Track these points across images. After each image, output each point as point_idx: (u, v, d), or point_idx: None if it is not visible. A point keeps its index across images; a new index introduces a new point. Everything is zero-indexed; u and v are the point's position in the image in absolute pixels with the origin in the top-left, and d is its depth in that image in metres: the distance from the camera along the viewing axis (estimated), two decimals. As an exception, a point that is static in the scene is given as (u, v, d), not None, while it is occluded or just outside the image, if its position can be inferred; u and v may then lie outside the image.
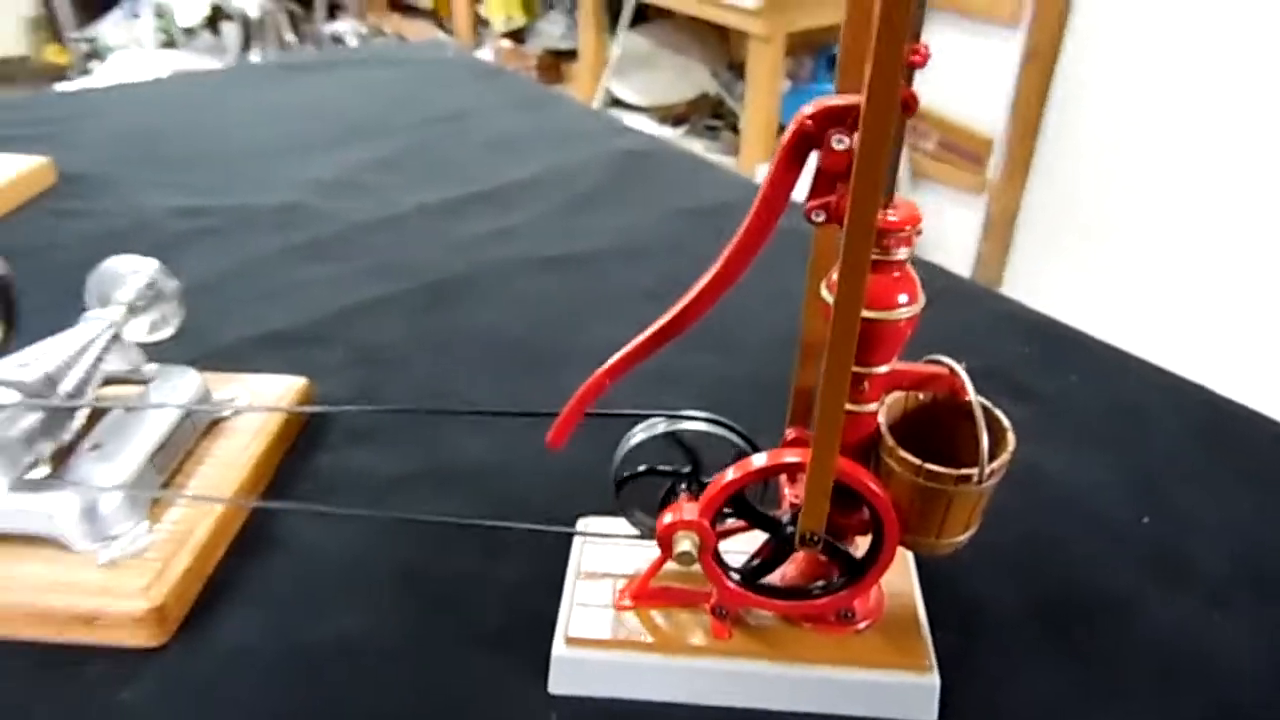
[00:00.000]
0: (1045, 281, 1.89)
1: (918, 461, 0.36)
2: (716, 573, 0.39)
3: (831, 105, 0.31)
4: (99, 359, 0.47)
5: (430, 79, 1.12)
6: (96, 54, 3.88)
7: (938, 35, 1.82)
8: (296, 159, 0.89)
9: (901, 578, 0.43)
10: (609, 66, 2.50)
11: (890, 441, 0.36)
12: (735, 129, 2.51)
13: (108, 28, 3.94)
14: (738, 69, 2.50)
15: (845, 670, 0.40)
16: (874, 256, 0.33)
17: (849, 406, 0.36)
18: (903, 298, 0.34)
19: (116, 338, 0.48)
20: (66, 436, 0.44)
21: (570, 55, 2.88)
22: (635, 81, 2.62)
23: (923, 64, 0.30)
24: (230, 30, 3.75)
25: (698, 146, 2.44)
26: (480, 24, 3.24)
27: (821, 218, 0.33)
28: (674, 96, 2.60)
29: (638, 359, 0.37)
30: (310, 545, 0.46)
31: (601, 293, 0.69)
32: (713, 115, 2.62)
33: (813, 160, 0.32)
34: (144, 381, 0.50)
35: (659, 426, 0.40)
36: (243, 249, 0.73)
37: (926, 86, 0.35)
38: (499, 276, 0.71)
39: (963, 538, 0.38)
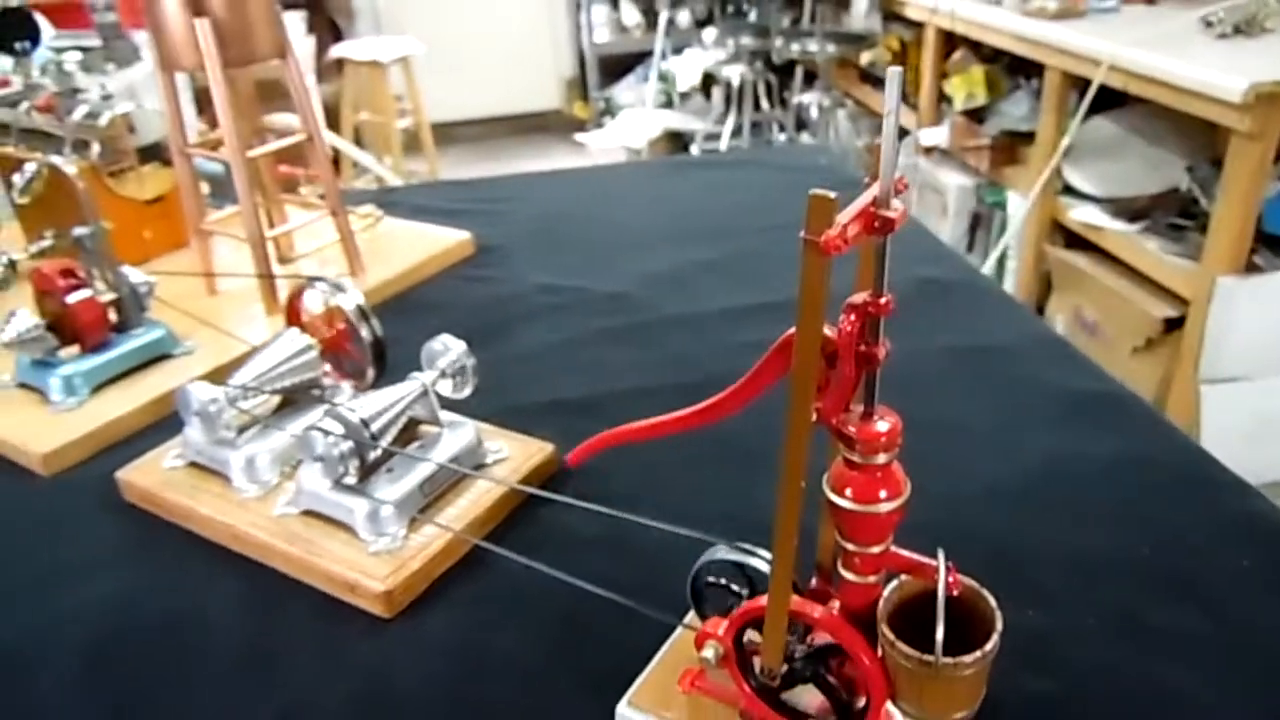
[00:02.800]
0: None
1: (890, 636, 0.41)
2: (740, 681, 0.47)
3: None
4: (407, 408, 0.66)
5: (793, 186, 1.24)
6: (610, 111, 4.57)
7: None
8: (644, 251, 1.07)
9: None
10: (1059, 151, 2.43)
11: (880, 613, 0.42)
12: (1204, 229, 2.28)
13: (622, 89, 4.62)
14: (1219, 165, 2.27)
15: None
16: (857, 460, 0.40)
17: (849, 576, 0.43)
18: (883, 493, 0.40)
19: (425, 393, 0.68)
20: (371, 458, 0.64)
21: (1028, 138, 2.81)
22: (1094, 169, 2.50)
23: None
24: (718, 95, 4.21)
25: (1153, 245, 2.26)
26: (942, 100, 3.28)
27: (814, 417, 0.41)
28: (1136, 189, 2.43)
29: (644, 436, 0.50)
30: (506, 577, 0.62)
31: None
32: (1180, 213, 2.40)
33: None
34: (438, 425, 0.69)
35: (724, 553, 0.49)
36: (569, 326, 0.92)
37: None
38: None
39: (957, 715, 0.42)
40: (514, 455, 0.71)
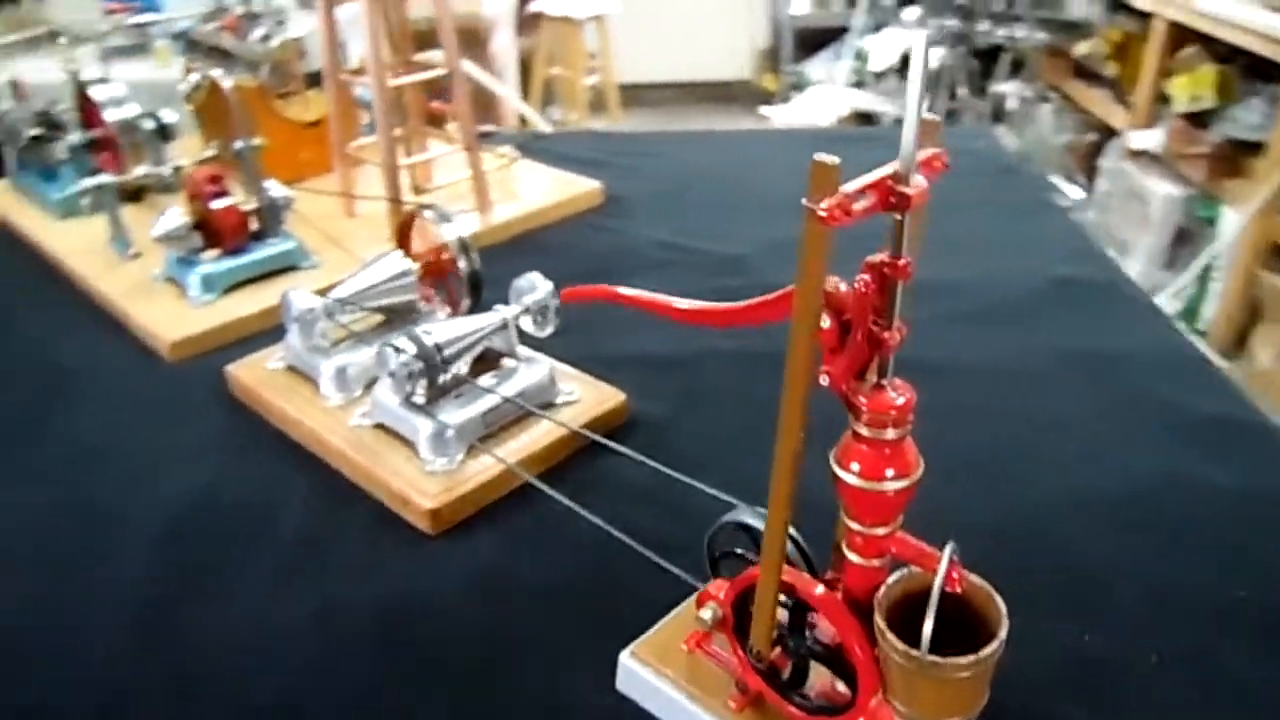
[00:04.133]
0: None
1: (882, 625, 0.39)
2: (735, 647, 0.46)
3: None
4: (484, 338, 0.68)
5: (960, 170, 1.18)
6: (799, 85, 4.48)
7: None
8: (771, 217, 1.04)
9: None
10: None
11: (879, 599, 0.40)
12: None
13: (815, 64, 4.51)
14: None
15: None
16: (865, 433, 0.38)
17: (852, 558, 0.41)
18: (889, 471, 0.38)
19: (505, 327, 0.69)
20: (440, 381, 0.66)
21: (1256, 149, 2.55)
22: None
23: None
24: (916, 77, 4.04)
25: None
26: (1160, 100, 3.03)
27: (826, 381, 0.38)
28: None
29: (641, 305, 0.52)
30: (551, 516, 0.62)
31: (949, 403, 0.73)
32: None
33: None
34: (515, 359, 0.71)
35: (738, 515, 0.47)
36: (677, 284, 0.91)
37: None
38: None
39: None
40: (584, 399, 0.71)
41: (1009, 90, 3.58)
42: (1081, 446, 0.67)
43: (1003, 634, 0.38)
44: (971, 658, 0.37)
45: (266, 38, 1.06)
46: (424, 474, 0.63)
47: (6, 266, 1.01)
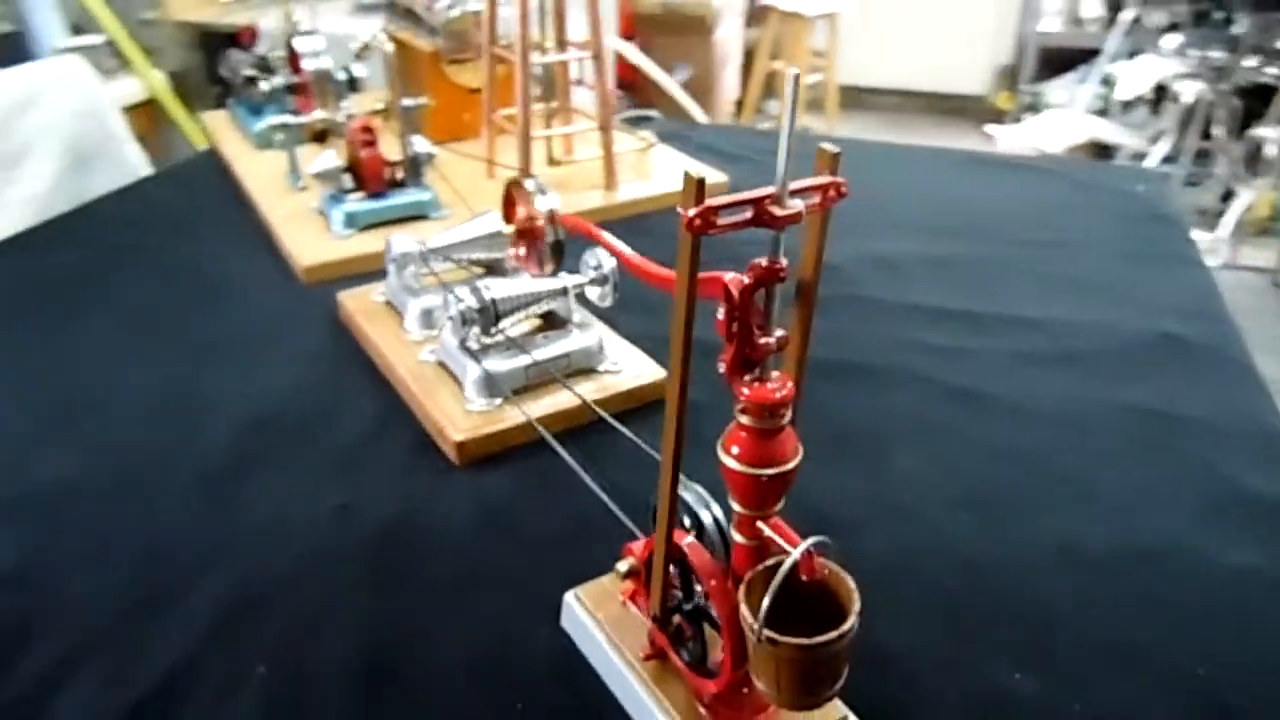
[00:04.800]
0: None
1: (739, 596, 0.42)
2: (641, 598, 0.50)
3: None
4: (542, 300, 0.74)
5: (1080, 206, 1.14)
6: (1035, 107, 4.26)
7: None
8: (880, 232, 1.05)
9: None
10: None
11: (747, 576, 0.43)
12: None
13: (1055, 87, 4.28)
14: None
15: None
16: (745, 421, 0.41)
17: (736, 537, 0.44)
18: (763, 458, 0.41)
19: (565, 292, 0.76)
20: (496, 335, 0.73)
21: None
22: None
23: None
24: (1169, 111, 3.75)
25: None
26: None
27: (721, 368, 0.42)
28: None
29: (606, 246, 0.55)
30: (564, 472, 0.68)
31: (982, 436, 0.73)
32: None
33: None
34: (570, 324, 0.77)
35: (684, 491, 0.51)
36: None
37: None
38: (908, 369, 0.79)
39: (784, 700, 0.42)
40: (626, 371, 0.76)
41: (1271, 136, 3.26)
42: (1098, 502, 0.66)
43: (842, 629, 0.40)
44: (803, 641, 0.39)
45: (451, 7, 1.17)
46: (464, 412, 0.71)
47: (208, 185, 1.18)
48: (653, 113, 1.37)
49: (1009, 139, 3.84)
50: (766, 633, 0.40)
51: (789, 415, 0.41)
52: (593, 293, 0.78)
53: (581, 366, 0.75)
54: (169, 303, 0.91)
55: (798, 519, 0.64)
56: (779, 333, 0.41)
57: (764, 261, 0.40)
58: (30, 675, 0.52)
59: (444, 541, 0.63)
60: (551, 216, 0.81)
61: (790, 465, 0.41)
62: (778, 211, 0.37)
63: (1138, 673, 0.53)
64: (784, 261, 0.39)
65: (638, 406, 0.75)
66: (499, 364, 0.72)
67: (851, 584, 0.42)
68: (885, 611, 0.56)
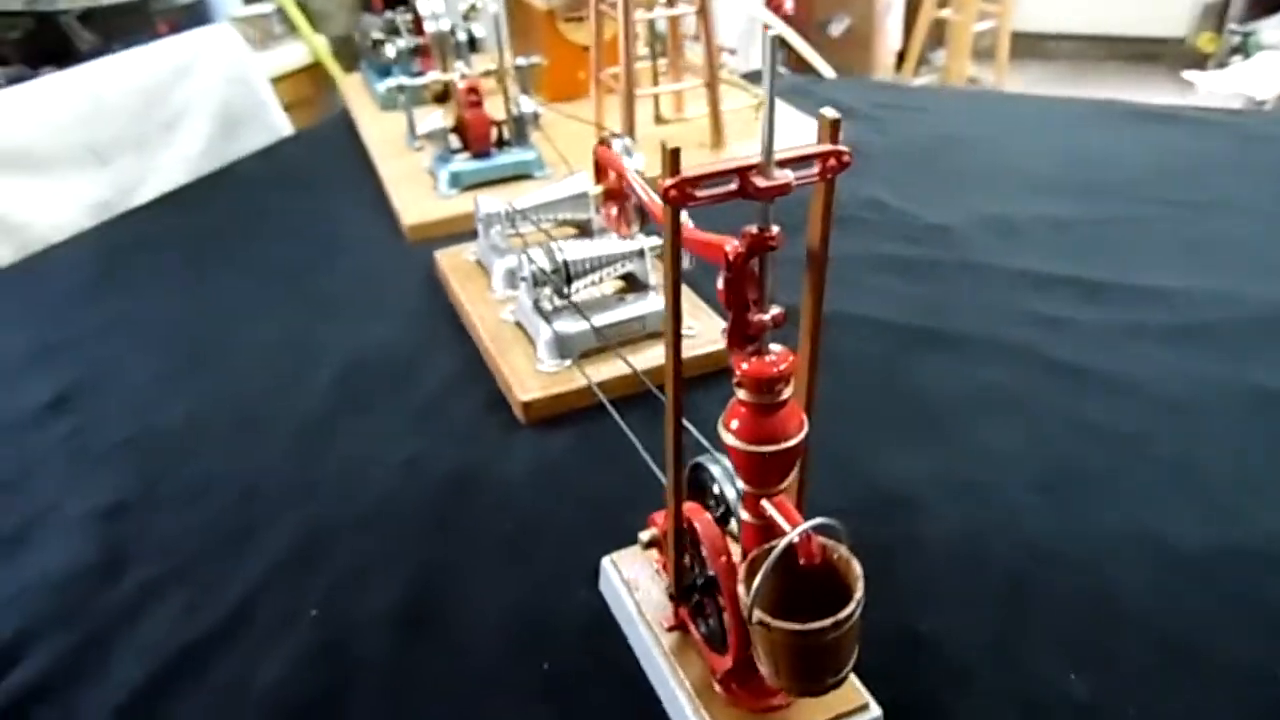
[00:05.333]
0: None
1: (741, 574, 0.41)
2: (664, 567, 0.50)
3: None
4: (617, 262, 0.74)
5: (1260, 165, 1.02)
6: (1244, 49, 3.85)
7: None
8: (1005, 191, 0.98)
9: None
10: None
11: (753, 554, 0.42)
12: None
13: (1270, 25, 3.85)
14: None
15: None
16: (742, 396, 0.40)
17: (744, 515, 0.43)
18: (764, 434, 0.39)
19: (642, 254, 0.75)
20: (568, 296, 0.73)
21: None
22: None
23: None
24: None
25: None
26: None
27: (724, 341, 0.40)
28: None
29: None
30: (618, 434, 0.68)
31: (1086, 417, 0.68)
32: None
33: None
34: (647, 286, 0.76)
35: (704, 459, 0.50)
36: (866, 244, 0.90)
37: None
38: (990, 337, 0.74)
39: (780, 683, 0.41)
40: (700, 336, 0.75)
41: None
42: (1197, 494, 0.60)
43: (837, 617, 0.38)
44: (794, 626, 0.38)
45: (568, -34, 1.17)
46: (534, 372, 0.72)
47: (337, 145, 1.24)
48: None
49: (1211, 86, 3.49)
50: (758, 614, 0.39)
51: (789, 390, 0.39)
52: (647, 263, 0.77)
53: (656, 330, 0.75)
54: (292, 258, 0.96)
55: (861, 493, 0.62)
56: (775, 309, 0.38)
57: (755, 229, 0.37)
58: (114, 603, 0.57)
59: (501, 498, 0.64)
60: (638, 177, 0.80)
61: (792, 442, 0.40)
62: (760, 183, 0.35)
63: (1208, 679, 0.48)
64: (775, 230, 0.37)
65: (713, 371, 0.73)
66: (569, 325, 0.72)
67: (859, 569, 0.40)
68: (940, 597, 0.54)
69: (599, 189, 0.83)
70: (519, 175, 1.03)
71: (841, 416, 0.69)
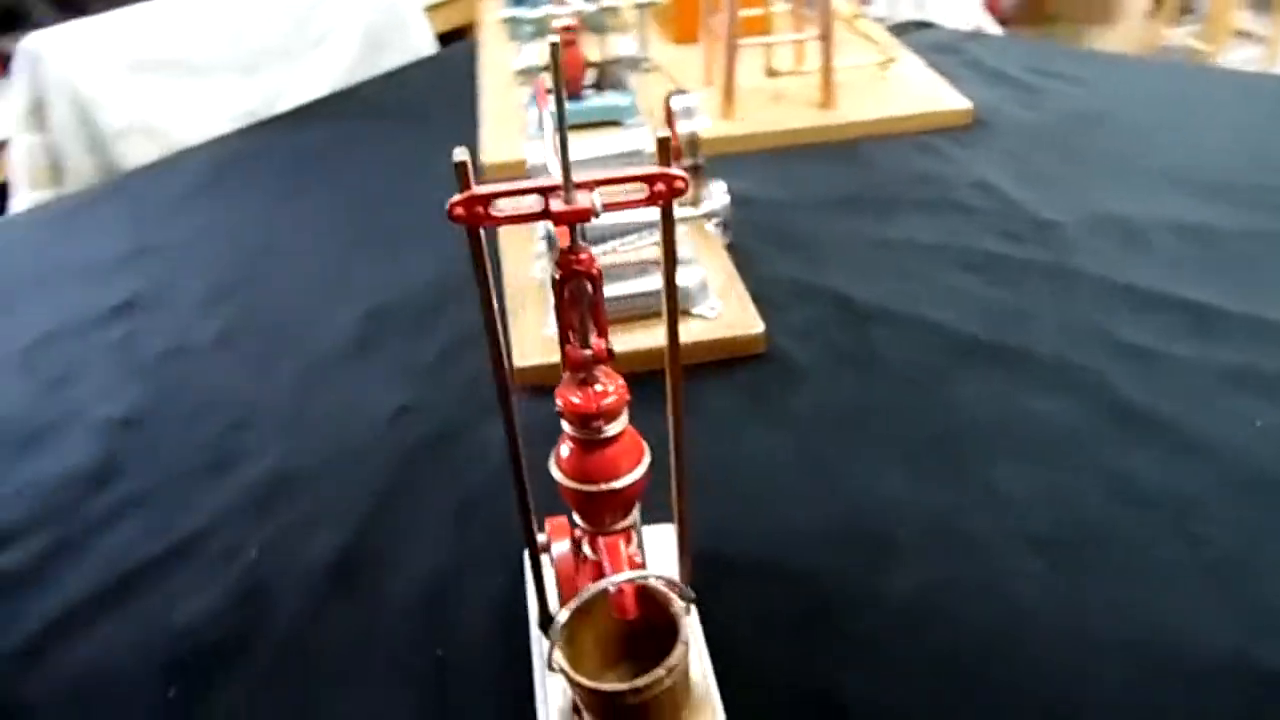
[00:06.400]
0: None
1: (556, 613, 0.37)
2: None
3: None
4: (639, 230, 0.70)
5: None
6: None
7: None
8: (1141, 185, 0.85)
9: None
10: None
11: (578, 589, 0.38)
12: None
13: None
14: None
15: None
16: (564, 427, 0.35)
17: (588, 555, 0.39)
18: (578, 472, 0.35)
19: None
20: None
21: None
22: None
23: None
24: None
25: None
26: None
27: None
28: None
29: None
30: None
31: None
32: None
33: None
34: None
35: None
36: (951, 236, 0.81)
37: None
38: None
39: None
40: (722, 319, 0.69)
41: None
42: (1242, 605, 0.49)
43: (636, 683, 0.34)
44: (582, 680, 0.34)
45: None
46: (540, 337, 0.69)
47: (459, 74, 1.23)
48: (927, 19, 1.20)
49: None
50: (558, 661, 0.35)
51: (616, 427, 0.35)
52: (712, 227, 0.71)
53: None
54: (369, 189, 0.97)
55: (834, 518, 0.55)
56: (597, 342, 0.34)
57: (560, 251, 0.33)
58: (90, 515, 0.60)
59: (472, 463, 0.62)
60: (692, 140, 0.75)
61: (619, 484, 0.35)
62: (557, 207, 0.30)
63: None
64: (585, 255, 0.32)
65: (724, 359, 0.68)
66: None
67: (685, 633, 0.36)
68: (876, 664, 0.48)
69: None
70: (609, 121, 0.99)
71: (851, 426, 0.62)
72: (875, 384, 0.66)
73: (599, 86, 0.99)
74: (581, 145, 0.76)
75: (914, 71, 1.05)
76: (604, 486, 0.35)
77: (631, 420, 0.36)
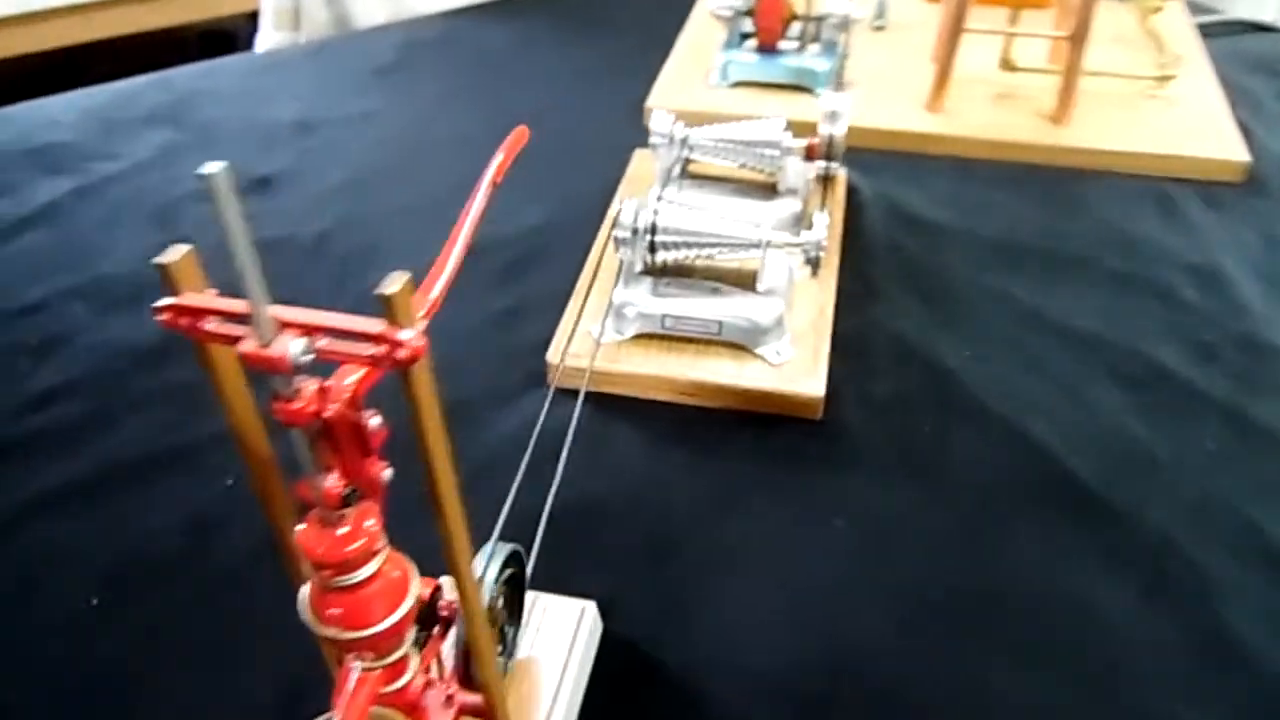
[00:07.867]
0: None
1: None
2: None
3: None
4: (720, 246, 0.61)
5: None
6: None
7: None
8: None
9: None
10: None
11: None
12: None
13: None
14: None
15: None
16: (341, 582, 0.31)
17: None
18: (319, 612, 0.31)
19: (758, 245, 0.61)
20: (649, 265, 0.62)
21: None
22: None
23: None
24: None
25: None
26: None
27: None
28: None
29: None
30: (624, 430, 0.58)
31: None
32: None
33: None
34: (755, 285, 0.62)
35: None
36: (1135, 335, 0.65)
37: None
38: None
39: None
40: (785, 370, 0.60)
41: None
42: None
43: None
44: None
45: None
46: (592, 338, 0.63)
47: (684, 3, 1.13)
48: (1222, 17, 0.95)
49: None
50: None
51: (359, 575, 0.30)
52: (791, 259, 0.62)
53: (734, 340, 0.61)
54: (535, 103, 0.92)
55: (808, 651, 0.47)
56: (327, 482, 0.28)
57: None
58: (135, 392, 0.63)
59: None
60: (829, 143, 0.64)
61: (363, 634, 0.30)
62: (246, 349, 0.24)
63: None
64: (298, 405, 0.26)
65: (767, 413, 0.59)
66: (637, 298, 0.62)
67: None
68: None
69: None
70: (798, 86, 0.87)
71: (861, 559, 0.52)
72: (919, 508, 0.55)
73: (802, 42, 0.87)
74: (718, 126, 0.68)
75: (1197, 94, 0.84)
76: (349, 635, 0.30)
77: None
